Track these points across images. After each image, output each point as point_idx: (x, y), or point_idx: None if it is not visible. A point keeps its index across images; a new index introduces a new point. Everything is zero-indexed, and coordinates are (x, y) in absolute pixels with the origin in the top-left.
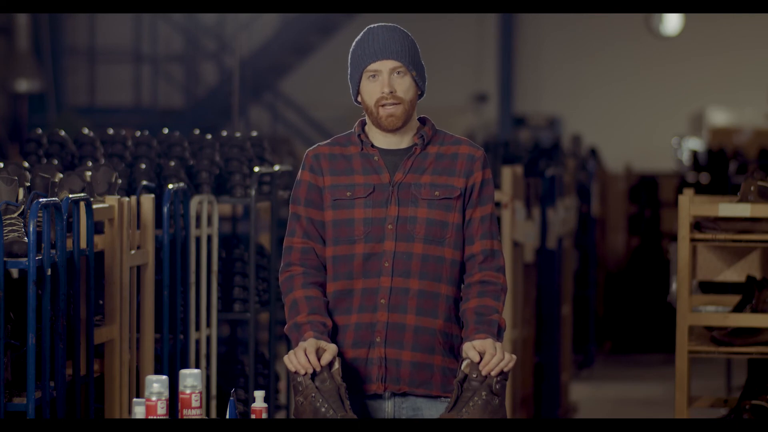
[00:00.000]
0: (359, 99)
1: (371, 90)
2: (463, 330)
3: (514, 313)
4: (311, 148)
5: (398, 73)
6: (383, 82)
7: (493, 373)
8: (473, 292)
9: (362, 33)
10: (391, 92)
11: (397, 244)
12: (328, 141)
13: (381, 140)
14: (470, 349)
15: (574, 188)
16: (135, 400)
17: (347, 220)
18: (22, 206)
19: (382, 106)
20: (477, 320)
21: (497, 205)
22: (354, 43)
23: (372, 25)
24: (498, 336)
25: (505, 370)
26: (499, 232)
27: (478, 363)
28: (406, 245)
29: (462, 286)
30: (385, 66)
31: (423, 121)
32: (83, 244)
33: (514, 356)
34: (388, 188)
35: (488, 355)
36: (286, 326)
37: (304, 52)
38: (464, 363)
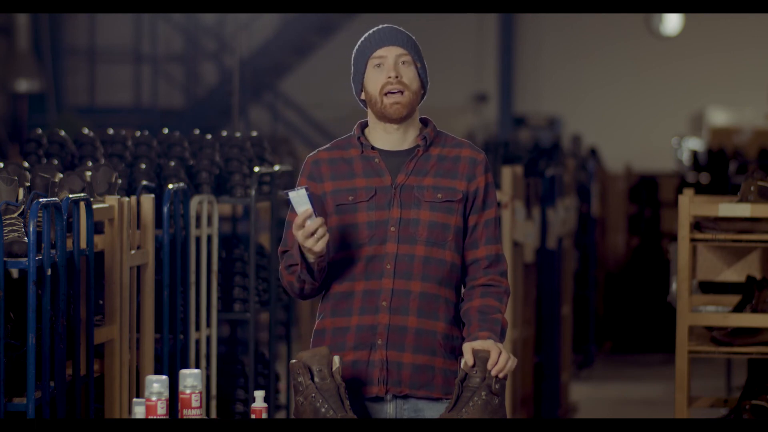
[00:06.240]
0: (363, 95)
1: (376, 78)
2: (465, 328)
3: (514, 314)
4: (311, 154)
5: (404, 62)
6: (389, 67)
7: (500, 375)
8: (476, 293)
9: (367, 33)
10: (397, 77)
11: (400, 246)
12: (328, 146)
13: (382, 141)
14: (467, 351)
15: (574, 188)
16: (135, 400)
17: (352, 225)
18: (22, 206)
19: (387, 94)
20: (480, 318)
21: (497, 205)
22: (358, 42)
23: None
24: (501, 336)
25: (508, 373)
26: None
27: (472, 366)
28: (408, 247)
29: (464, 289)
30: (390, 52)
31: (425, 122)
32: (83, 244)
33: (515, 359)
34: (390, 190)
35: (494, 355)
36: (281, 267)
37: (304, 52)
38: (463, 361)
